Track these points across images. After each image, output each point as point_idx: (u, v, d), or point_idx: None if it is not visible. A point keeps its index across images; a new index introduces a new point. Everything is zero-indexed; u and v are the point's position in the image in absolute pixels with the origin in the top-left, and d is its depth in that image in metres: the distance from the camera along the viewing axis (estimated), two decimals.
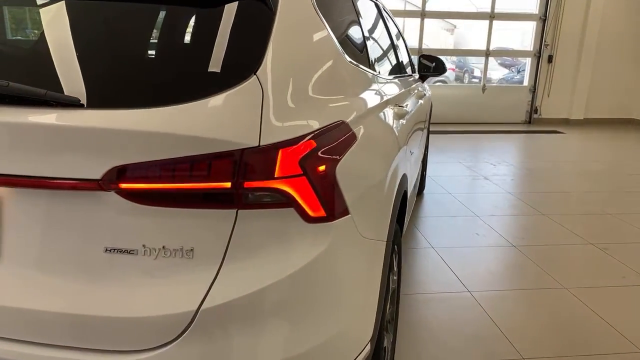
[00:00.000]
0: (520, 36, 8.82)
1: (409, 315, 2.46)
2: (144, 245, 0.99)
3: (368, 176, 1.31)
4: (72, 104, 0.96)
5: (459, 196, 4.53)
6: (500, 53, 8.74)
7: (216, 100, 0.98)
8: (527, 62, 8.73)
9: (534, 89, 8.68)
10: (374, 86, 1.74)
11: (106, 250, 1.00)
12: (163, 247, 0.99)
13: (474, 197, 4.56)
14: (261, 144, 0.99)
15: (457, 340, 2.26)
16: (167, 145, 0.95)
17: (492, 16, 8.32)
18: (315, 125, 1.11)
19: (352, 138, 1.26)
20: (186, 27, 1.12)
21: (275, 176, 1.00)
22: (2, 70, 1.00)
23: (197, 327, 0.97)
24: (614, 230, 3.71)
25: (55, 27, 1.11)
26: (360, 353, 1.27)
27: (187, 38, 1.10)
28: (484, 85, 8.67)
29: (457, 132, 7.90)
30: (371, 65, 1.84)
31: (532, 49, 8.58)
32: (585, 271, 3.03)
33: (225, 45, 1.05)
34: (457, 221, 3.87)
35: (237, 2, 1.11)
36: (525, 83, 8.77)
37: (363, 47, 1.80)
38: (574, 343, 2.26)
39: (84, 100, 0.97)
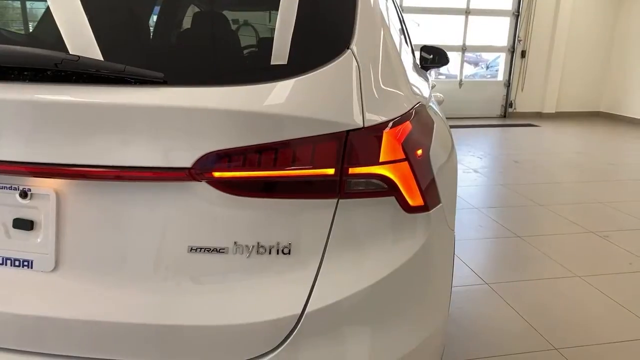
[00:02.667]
0: (491, 33, 8.94)
1: None
2: (235, 243, 0.87)
3: (445, 161, 1.23)
4: (154, 80, 0.82)
5: None
6: (476, 48, 8.85)
7: (315, 77, 0.87)
8: (502, 57, 8.88)
9: (508, 84, 8.85)
10: (420, 72, 1.66)
11: (191, 249, 0.87)
12: (257, 243, 0.88)
13: (468, 189, 4.56)
14: (365, 124, 0.88)
15: (487, 333, 2.21)
16: (267, 127, 0.83)
17: (467, 12, 8.42)
18: (407, 105, 1.02)
19: (432, 121, 1.17)
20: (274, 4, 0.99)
21: (380, 161, 0.90)
22: (69, 43, 0.85)
23: (302, 333, 0.86)
24: (610, 218, 3.78)
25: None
26: (444, 350, 1.19)
27: (278, 8, 0.98)
28: (461, 80, 8.76)
29: None
30: (413, 52, 1.76)
31: (506, 44, 8.74)
32: (592, 259, 3.06)
33: (319, 16, 0.94)
34: (457, 214, 3.85)
35: None
36: (500, 78, 8.93)
37: (406, 33, 1.71)
38: (601, 331, 2.26)
39: (167, 77, 0.83)
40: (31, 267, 0.91)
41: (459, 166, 5.40)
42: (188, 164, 0.82)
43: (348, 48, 0.93)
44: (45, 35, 1.17)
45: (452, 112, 8.66)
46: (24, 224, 0.90)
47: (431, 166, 1.02)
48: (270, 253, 0.88)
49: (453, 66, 8.89)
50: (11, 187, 0.90)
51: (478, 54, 9.33)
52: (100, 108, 0.81)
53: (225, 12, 0.98)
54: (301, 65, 0.88)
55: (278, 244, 0.88)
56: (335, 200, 0.89)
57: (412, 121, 0.99)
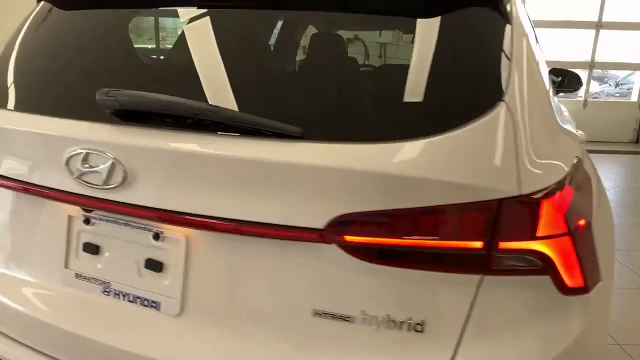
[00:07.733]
0: (626, 48, 8.03)
1: None
2: (363, 312, 0.80)
3: (605, 227, 1.05)
4: (291, 135, 0.78)
5: None
6: (606, 65, 7.99)
7: (462, 135, 0.77)
8: (638, 75, 7.94)
9: None
10: (560, 110, 1.46)
11: (316, 313, 0.82)
12: (387, 315, 0.79)
13: None
14: (522, 192, 0.76)
15: None
16: (407, 191, 0.75)
17: (599, 25, 7.64)
18: (566, 164, 0.87)
19: (589, 178, 1.01)
20: (414, 45, 0.90)
21: (537, 235, 0.77)
22: (203, 93, 0.84)
23: None
24: None
25: (270, 47, 0.95)
26: None
27: (419, 57, 0.89)
28: (586, 100, 7.96)
29: None
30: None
31: None
32: None
33: (466, 64, 0.83)
34: None
35: (463, 9, 0.90)
36: (634, 98, 7.97)
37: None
38: None
39: (304, 130, 0.79)
40: (158, 309, 0.91)
41: None
42: (320, 225, 0.77)
43: (502, 100, 0.81)
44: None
45: None
46: (155, 265, 0.91)
47: (593, 238, 0.86)
48: (400, 329, 0.79)
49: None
50: (145, 227, 0.92)
51: (605, 70, 8.44)
52: (233, 161, 0.79)
53: (358, 58, 0.92)
54: (447, 122, 0.78)
55: (410, 319, 0.79)
56: (480, 277, 0.78)
57: (572, 184, 0.85)
